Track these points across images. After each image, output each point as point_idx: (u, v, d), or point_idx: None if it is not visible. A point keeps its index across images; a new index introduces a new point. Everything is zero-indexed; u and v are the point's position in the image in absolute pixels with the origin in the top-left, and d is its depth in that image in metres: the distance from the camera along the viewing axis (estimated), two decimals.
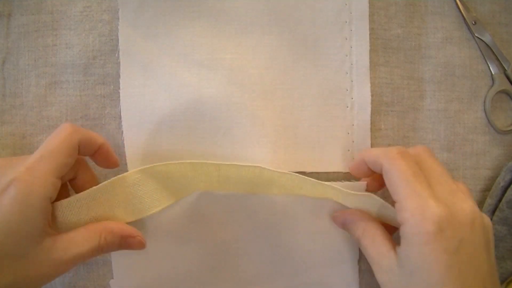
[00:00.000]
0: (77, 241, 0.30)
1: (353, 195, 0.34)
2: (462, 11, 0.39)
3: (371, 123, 0.38)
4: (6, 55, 0.37)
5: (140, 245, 0.33)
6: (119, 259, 0.37)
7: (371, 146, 0.38)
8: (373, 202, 0.34)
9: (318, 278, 0.38)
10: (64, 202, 0.31)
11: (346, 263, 0.38)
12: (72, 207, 0.31)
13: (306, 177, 0.34)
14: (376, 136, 0.38)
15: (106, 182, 0.33)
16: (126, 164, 0.36)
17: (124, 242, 0.32)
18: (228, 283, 0.37)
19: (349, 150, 0.37)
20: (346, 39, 0.37)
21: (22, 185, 0.28)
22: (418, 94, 0.39)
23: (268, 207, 0.36)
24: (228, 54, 0.36)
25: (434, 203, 0.29)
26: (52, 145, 0.30)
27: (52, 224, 0.30)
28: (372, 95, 0.38)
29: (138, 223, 0.36)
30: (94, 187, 0.32)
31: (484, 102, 0.39)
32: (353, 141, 0.37)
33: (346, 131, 0.37)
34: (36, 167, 0.29)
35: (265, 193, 0.36)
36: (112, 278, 0.37)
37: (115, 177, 0.33)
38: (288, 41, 0.37)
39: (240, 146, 0.36)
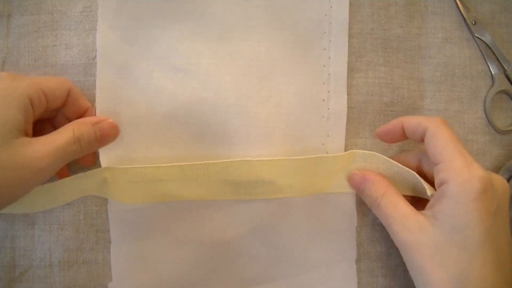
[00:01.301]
0: (52, 136, 0.31)
1: (373, 158, 0.36)
2: (462, 11, 0.39)
3: (371, 123, 0.38)
4: (6, 55, 0.37)
5: (114, 129, 0.34)
6: (118, 262, 0.37)
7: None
8: (389, 167, 0.35)
9: (317, 278, 0.38)
10: None
11: (344, 263, 0.38)
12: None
13: (300, 157, 0.35)
14: None
15: (94, 170, 0.35)
16: (99, 162, 0.36)
17: (99, 130, 0.33)
18: (226, 284, 0.37)
19: None
20: (325, 49, 0.37)
21: (5, 82, 0.30)
22: (418, 94, 0.39)
23: (265, 208, 0.36)
24: (204, 59, 0.36)
25: (478, 166, 0.30)
26: (44, 77, 0.34)
27: None
28: (372, 95, 0.38)
29: (135, 226, 0.36)
30: (79, 174, 0.35)
31: (484, 102, 0.39)
32: (327, 152, 0.37)
33: (321, 141, 0.37)
34: (23, 77, 0.31)
35: (250, 195, 0.36)
36: (111, 280, 0.37)
37: (105, 167, 0.35)
38: (266, 48, 0.37)
39: (212, 153, 0.36)
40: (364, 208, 0.38)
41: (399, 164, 0.35)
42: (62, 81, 0.33)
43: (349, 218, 0.38)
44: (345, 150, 0.38)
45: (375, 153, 0.36)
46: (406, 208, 0.32)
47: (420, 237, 0.31)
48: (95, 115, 0.35)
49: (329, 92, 0.37)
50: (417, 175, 0.34)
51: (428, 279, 0.30)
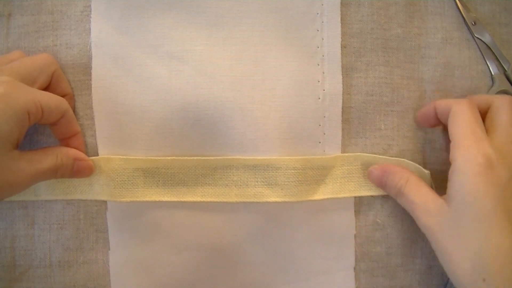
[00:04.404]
0: (39, 157, 0.32)
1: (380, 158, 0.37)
2: (462, 11, 0.39)
3: (371, 123, 0.38)
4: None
5: (89, 170, 0.35)
6: (117, 268, 0.37)
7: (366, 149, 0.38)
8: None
9: (314, 285, 0.38)
10: None
11: (342, 271, 0.38)
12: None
13: (290, 157, 0.36)
14: (376, 136, 0.38)
15: (91, 158, 0.35)
16: (98, 154, 0.36)
17: (76, 166, 0.34)
18: None
19: (320, 142, 0.37)
20: (318, 30, 0.37)
21: (7, 89, 0.29)
22: (418, 94, 0.39)
23: (264, 214, 0.36)
24: (198, 45, 0.36)
25: (487, 143, 0.31)
26: (46, 94, 0.32)
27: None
28: (372, 95, 0.38)
29: (134, 231, 0.36)
30: None
31: None
32: (324, 133, 0.37)
33: (318, 122, 0.37)
34: (25, 87, 0.31)
35: (242, 197, 0.36)
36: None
37: (100, 156, 0.36)
38: (259, 32, 0.37)
39: (209, 137, 0.36)
40: (364, 208, 0.38)
41: (387, 157, 0.36)
42: (61, 102, 0.33)
43: (348, 226, 0.38)
44: (344, 149, 0.38)
45: (360, 154, 0.37)
46: (428, 192, 0.33)
47: (440, 219, 0.31)
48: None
49: (323, 73, 0.37)
50: (407, 160, 0.36)
51: (450, 259, 0.31)
